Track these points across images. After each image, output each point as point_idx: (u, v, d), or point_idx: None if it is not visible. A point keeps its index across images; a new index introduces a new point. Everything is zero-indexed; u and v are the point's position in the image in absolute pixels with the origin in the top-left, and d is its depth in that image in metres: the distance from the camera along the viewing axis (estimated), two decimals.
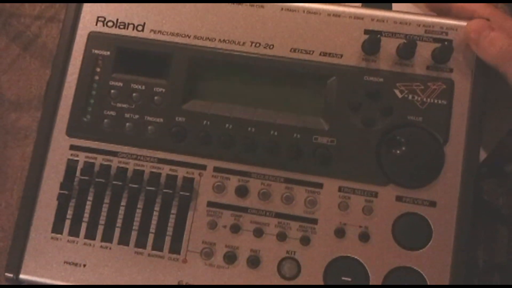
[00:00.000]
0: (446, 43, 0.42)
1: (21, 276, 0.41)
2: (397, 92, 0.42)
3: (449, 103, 0.41)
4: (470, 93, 0.41)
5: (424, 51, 0.42)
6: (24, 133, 0.60)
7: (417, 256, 0.40)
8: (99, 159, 0.42)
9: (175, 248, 0.41)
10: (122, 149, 0.42)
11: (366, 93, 0.42)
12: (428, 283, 0.39)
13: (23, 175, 0.59)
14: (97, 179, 0.42)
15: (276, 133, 0.42)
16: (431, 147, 0.41)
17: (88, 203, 0.42)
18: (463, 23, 0.42)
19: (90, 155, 0.42)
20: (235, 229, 0.41)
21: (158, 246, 0.41)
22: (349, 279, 0.40)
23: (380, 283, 0.39)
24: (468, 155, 0.40)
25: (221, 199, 0.41)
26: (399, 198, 0.40)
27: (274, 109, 0.43)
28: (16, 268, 0.41)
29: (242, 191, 0.41)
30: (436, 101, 0.41)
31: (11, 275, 0.41)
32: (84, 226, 0.42)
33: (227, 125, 0.42)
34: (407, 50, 0.42)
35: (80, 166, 0.42)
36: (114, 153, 0.42)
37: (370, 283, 0.40)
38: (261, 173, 0.41)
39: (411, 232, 0.40)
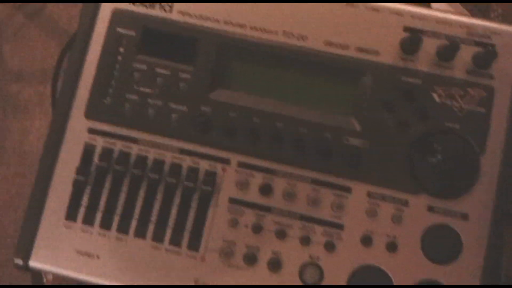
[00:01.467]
0: (489, 48, 0.40)
1: (31, 263, 0.39)
2: (435, 95, 0.40)
3: (488, 112, 0.39)
4: (511, 102, 0.39)
5: (465, 54, 0.40)
6: (24, 106, 0.57)
7: (445, 270, 0.38)
8: (118, 145, 0.40)
9: (194, 245, 0.39)
10: (142, 136, 0.40)
11: (402, 94, 0.40)
12: None
13: (21, 149, 0.57)
14: (115, 166, 0.40)
15: (305, 131, 0.40)
16: (467, 157, 0.39)
17: (105, 191, 0.40)
18: (508, 28, 0.40)
19: (109, 140, 0.40)
20: (257, 229, 0.39)
21: (176, 241, 0.39)
22: None
23: None
24: (504, 168, 0.39)
25: (244, 196, 0.40)
26: (430, 209, 0.39)
27: (304, 104, 0.41)
28: (26, 254, 0.39)
29: (266, 189, 0.39)
30: (475, 108, 0.39)
31: (20, 261, 0.39)
32: (99, 215, 0.40)
33: (254, 119, 0.40)
34: (448, 51, 0.39)
35: (98, 151, 0.40)
36: (134, 140, 0.40)
37: None
38: (287, 172, 0.40)
39: (441, 245, 0.38)
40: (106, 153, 0.40)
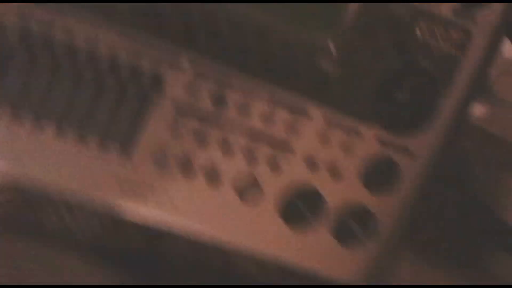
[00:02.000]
0: None
1: None
2: (417, 30, 0.36)
3: (462, 56, 0.38)
4: (483, 50, 0.38)
5: None
6: None
7: (377, 199, 0.39)
8: (33, 22, 0.31)
9: (126, 150, 0.35)
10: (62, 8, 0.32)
11: (386, 23, 0.36)
12: (378, 226, 0.40)
13: None
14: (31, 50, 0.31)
15: (274, 42, 0.35)
16: (430, 96, 0.38)
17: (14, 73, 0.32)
18: None
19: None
20: (199, 137, 0.36)
21: (103, 143, 0.34)
22: (305, 209, 0.39)
23: (333, 219, 0.39)
24: (462, 111, 0.39)
25: (192, 102, 0.35)
26: (381, 142, 0.39)
27: (282, 12, 0.35)
28: None
29: (218, 100, 0.35)
30: (451, 51, 0.37)
31: None
32: (7, 105, 0.32)
33: (214, 12, 0.33)
34: None
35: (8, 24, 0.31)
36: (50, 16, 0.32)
37: (324, 216, 0.39)
38: (244, 84, 0.35)
39: (380, 176, 0.39)
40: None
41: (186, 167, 0.36)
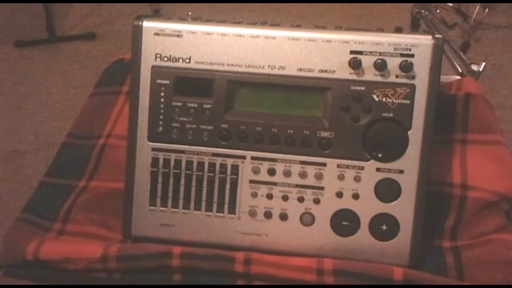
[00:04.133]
0: (409, 57, 0.59)
1: (133, 233, 0.64)
2: (374, 96, 0.60)
3: (412, 102, 0.60)
4: (427, 93, 0.60)
5: (394, 63, 0.60)
6: None
7: (392, 206, 0.61)
8: (173, 156, 0.63)
9: (232, 211, 0.63)
10: (187, 149, 0.63)
11: (353, 98, 0.60)
12: (399, 223, 0.61)
13: None
14: (173, 170, 0.63)
15: (291, 131, 0.61)
16: (399, 133, 0.60)
17: (170, 186, 0.63)
18: (421, 40, 0.59)
19: (166, 154, 0.63)
20: (269, 196, 0.62)
21: (220, 209, 0.63)
22: (347, 223, 0.62)
23: (367, 224, 0.61)
24: (425, 137, 0.60)
25: (258, 177, 0.62)
26: (378, 169, 0.61)
27: (289, 113, 0.62)
28: (128, 229, 0.64)
29: (271, 171, 0.62)
30: (402, 101, 0.60)
31: (126, 234, 0.64)
32: (170, 201, 0.63)
33: (257, 128, 0.62)
34: (380, 65, 0.59)
35: (161, 162, 0.63)
36: (182, 151, 0.63)
37: (361, 224, 0.61)
38: (283, 159, 0.62)
39: (388, 190, 0.61)
40: (166, 162, 0.63)
41: (268, 214, 0.63)
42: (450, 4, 2.32)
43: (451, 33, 2.30)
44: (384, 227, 0.61)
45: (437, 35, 0.59)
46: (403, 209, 0.60)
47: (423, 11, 2.30)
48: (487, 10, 2.16)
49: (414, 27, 2.31)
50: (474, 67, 2.10)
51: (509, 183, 0.67)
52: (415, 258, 0.60)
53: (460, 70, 2.17)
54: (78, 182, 0.73)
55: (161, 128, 0.62)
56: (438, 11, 2.31)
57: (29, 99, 1.96)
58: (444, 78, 0.75)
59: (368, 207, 0.61)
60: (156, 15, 0.64)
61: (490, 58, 2.16)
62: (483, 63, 2.05)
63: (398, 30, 0.62)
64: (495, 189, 0.66)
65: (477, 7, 2.17)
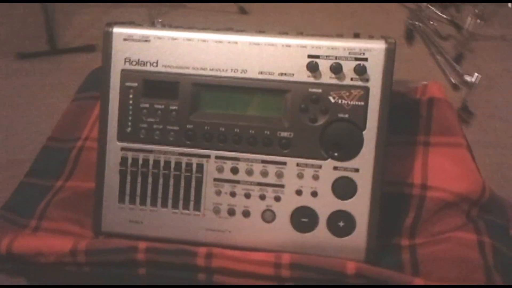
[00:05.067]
0: (363, 61, 0.62)
1: (103, 229, 0.67)
2: (331, 98, 0.63)
3: (366, 104, 0.62)
4: (380, 95, 0.62)
5: (349, 67, 0.62)
6: None
7: (348, 203, 0.63)
8: (141, 156, 0.66)
9: (197, 208, 0.66)
10: (154, 148, 0.66)
11: (311, 100, 0.63)
12: (356, 219, 0.63)
13: None
14: (141, 169, 0.66)
15: (253, 132, 0.64)
16: (354, 133, 0.63)
17: (138, 184, 0.66)
18: (375, 45, 0.62)
19: (135, 153, 0.66)
20: (232, 194, 0.65)
21: (186, 207, 0.66)
22: (306, 220, 0.64)
23: (325, 221, 0.64)
24: (379, 137, 0.63)
25: (222, 176, 0.65)
26: (335, 168, 0.64)
27: (251, 114, 0.65)
28: (98, 225, 0.67)
29: (234, 170, 0.65)
30: (357, 102, 0.63)
31: (96, 230, 0.67)
32: (138, 198, 0.66)
33: (220, 128, 0.65)
34: (336, 68, 0.62)
35: (129, 161, 0.66)
36: (150, 151, 0.66)
37: (319, 221, 0.64)
38: (246, 158, 0.65)
39: (344, 188, 0.64)
40: (134, 162, 0.66)
41: (232, 211, 0.66)
42: (444, 16, 2.35)
43: (445, 45, 2.33)
44: (341, 224, 0.63)
45: (390, 40, 0.62)
46: (359, 206, 0.63)
47: (417, 23, 2.34)
48: (479, 21, 2.18)
49: (409, 39, 2.34)
50: (467, 78, 2.13)
51: (469, 184, 0.69)
52: (371, 254, 0.63)
53: (453, 81, 2.20)
54: (55, 182, 0.76)
55: (129, 128, 0.65)
56: (432, 23, 2.34)
57: (29, 110, 2.01)
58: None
59: (325, 205, 0.63)
60: (127, 22, 0.67)
61: (484, 68, 2.19)
62: (477, 74, 2.07)
63: (356, 35, 0.65)
64: (454, 190, 0.68)
65: (470, 19, 2.20)
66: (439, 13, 2.37)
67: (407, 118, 0.77)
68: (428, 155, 0.73)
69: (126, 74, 0.65)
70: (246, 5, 2.39)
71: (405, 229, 0.68)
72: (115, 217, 0.67)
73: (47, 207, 0.72)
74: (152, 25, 0.67)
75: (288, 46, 0.63)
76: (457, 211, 0.68)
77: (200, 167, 0.65)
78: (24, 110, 1.97)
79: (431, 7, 2.34)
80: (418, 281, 0.58)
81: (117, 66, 0.65)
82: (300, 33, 0.65)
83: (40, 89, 2.03)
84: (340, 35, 0.64)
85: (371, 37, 0.63)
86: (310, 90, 0.63)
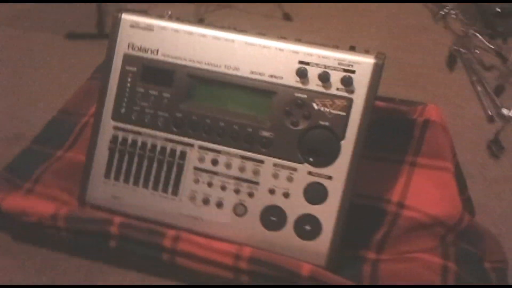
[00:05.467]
0: (350, 73, 0.64)
1: (87, 200, 0.71)
2: (314, 105, 0.65)
3: (348, 114, 0.64)
4: (363, 107, 0.64)
5: (336, 77, 0.64)
6: None
7: (317, 208, 0.65)
8: (130, 136, 0.70)
9: (175, 192, 0.69)
10: (143, 131, 0.69)
11: (295, 104, 0.65)
12: (322, 225, 0.65)
13: None
14: (129, 149, 0.70)
15: (237, 127, 0.67)
16: (332, 142, 0.64)
17: (125, 163, 0.70)
18: (364, 59, 0.63)
19: (125, 133, 0.70)
20: (209, 184, 0.68)
21: (165, 190, 0.69)
22: (275, 219, 0.66)
23: (293, 222, 0.66)
24: (356, 148, 0.64)
25: (202, 165, 0.68)
26: (309, 173, 0.65)
27: (237, 110, 0.67)
28: (83, 196, 0.71)
29: (215, 162, 0.67)
30: (339, 112, 0.64)
31: (80, 200, 0.71)
32: (122, 176, 0.70)
33: (207, 120, 0.68)
34: (324, 77, 0.64)
35: (119, 140, 0.70)
36: (139, 133, 0.70)
37: (287, 221, 0.66)
38: (227, 151, 0.67)
39: (315, 194, 0.65)
40: (124, 141, 0.70)
41: (206, 200, 0.68)
42: (491, 46, 2.29)
43: (487, 75, 2.27)
44: (307, 227, 0.65)
45: (379, 55, 0.63)
46: (327, 213, 0.64)
47: (461, 49, 2.29)
48: None
49: (451, 65, 2.31)
50: (504, 111, 2.07)
51: (447, 209, 0.70)
52: (332, 261, 0.64)
53: (490, 113, 2.15)
54: (56, 152, 0.81)
55: (123, 109, 0.69)
56: (477, 51, 2.30)
57: (69, 88, 2.11)
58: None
59: (295, 207, 0.65)
60: (137, 11, 0.71)
61: None
62: None
63: (352, 48, 0.66)
64: (431, 212, 0.69)
65: None
66: (486, 42, 2.32)
67: (400, 136, 0.78)
68: (413, 175, 0.74)
69: (127, 58, 0.69)
70: (292, 10, 2.40)
71: (373, 243, 0.69)
72: (99, 191, 0.71)
73: (44, 173, 0.77)
74: (163, 17, 0.71)
75: (281, 50, 0.65)
76: (430, 233, 0.69)
77: (183, 154, 0.68)
78: (65, 87, 2.07)
79: (479, 36, 2.29)
80: None
81: (120, 50, 0.69)
82: (298, 40, 0.67)
83: (84, 69, 2.12)
84: (336, 46, 0.66)
85: (366, 51, 0.64)
86: (296, 94, 0.65)
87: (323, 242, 0.64)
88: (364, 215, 0.69)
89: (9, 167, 0.78)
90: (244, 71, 0.66)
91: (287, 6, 2.47)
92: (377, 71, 0.63)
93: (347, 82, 0.63)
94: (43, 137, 0.84)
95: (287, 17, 2.46)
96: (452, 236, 0.69)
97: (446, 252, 0.67)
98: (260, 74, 0.66)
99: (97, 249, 0.67)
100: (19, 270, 0.68)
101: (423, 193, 0.71)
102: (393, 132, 0.78)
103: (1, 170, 0.78)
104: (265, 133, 0.66)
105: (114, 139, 0.70)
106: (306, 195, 0.65)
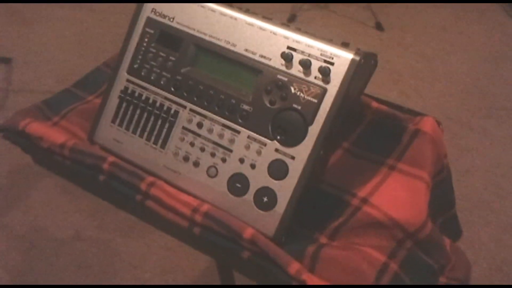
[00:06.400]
0: (329, 64, 0.68)
1: (94, 140, 0.82)
2: (292, 88, 0.70)
3: (319, 102, 0.68)
4: (333, 99, 0.68)
5: (316, 66, 0.69)
6: None
7: (276, 183, 0.70)
8: (138, 90, 0.79)
9: (163, 146, 0.78)
10: (148, 87, 0.79)
11: (275, 85, 0.71)
12: (277, 200, 0.70)
13: None
14: (134, 101, 0.79)
15: (223, 97, 0.74)
16: (301, 125, 0.69)
17: (129, 112, 0.80)
18: (343, 53, 0.68)
19: (134, 87, 0.80)
20: (192, 144, 0.76)
21: (155, 142, 0.78)
22: (239, 185, 0.73)
23: (253, 192, 0.71)
24: (320, 135, 0.68)
25: (189, 126, 0.76)
26: (276, 150, 0.71)
27: (227, 82, 0.74)
28: (92, 136, 0.82)
29: (200, 125, 0.75)
30: (312, 99, 0.69)
31: (89, 139, 0.82)
32: (125, 123, 0.80)
33: (200, 86, 0.75)
34: (305, 64, 0.69)
35: (129, 91, 0.80)
36: (145, 88, 0.79)
37: (249, 190, 0.72)
38: (211, 117, 0.75)
39: (278, 170, 0.70)
40: (132, 93, 0.80)
41: (186, 158, 0.77)
42: None
43: None
44: (265, 199, 0.70)
45: (360, 52, 0.67)
46: (284, 189, 0.69)
47: None
48: None
49: None
50: None
51: (410, 215, 0.72)
52: (278, 234, 0.69)
53: None
54: (87, 96, 0.93)
55: (137, 65, 0.79)
56: None
57: None
58: None
59: (259, 178, 0.71)
60: None
61: None
62: None
63: (345, 44, 0.71)
64: (392, 215, 0.71)
65: None
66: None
67: (389, 140, 0.80)
68: (388, 178, 0.76)
69: (149, 21, 0.79)
70: (385, 20, 2.40)
71: (328, 229, 0.72)
72: (105, 133, 0.81)
73: (71, 111, 0.90)
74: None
75: (275, 34, 0.71)
76: (386, 234, 0.71)
77: (176, 113, 0.76)
78: None
79: None
80: (293, 267, 0.63)
81: (145, 13, 0.79)
82: (299, 29, 0.73)
83: None
84: (330, 40, 0.70)
85: (357, 49, 0.68)
86: (278, 76, 0.70)
87: (275, 214, 0.70)
88: (327, 203, 0.73)
89: (46, 101, 0.92)
90: (240, 48, 0.73)
91: (381, 15, 2.47)
92: (354, 67, 0.67)
93: (324, 72, 0.67)
94: (82, 82, 0.96)
95: (379, 26, 2.46)
96: (410, 242, 0.71)
97: (394, 253, 0.69)
98: (252, 53, 0.72)
99: (90, 180, 0.78)
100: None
101: (390, 195, 0.73)
102: (384, 136, 0.81)
103: (41, 102, 0.91)
104: (245, 107, 0.72)
105: (125, 90, 0.80)
106: (269, 169, 0.70)
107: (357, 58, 0.66)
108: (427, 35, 2.46)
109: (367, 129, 0.82)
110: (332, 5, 2.58)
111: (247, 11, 0.75)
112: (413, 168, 0.76)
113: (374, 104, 0.83)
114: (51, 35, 2.36)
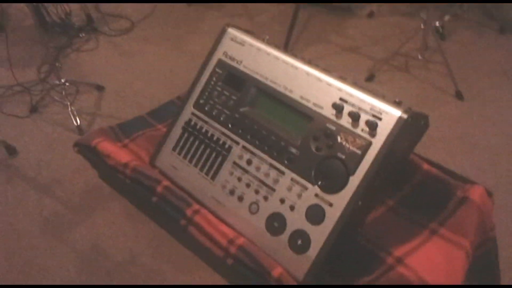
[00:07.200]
0: (377, 119, 0.71)
1: (155, 163, 0.89)
2: (339, 137, 0.73)
3: (363, 154, 0.71)
4: (377, 153, 0.70)
5: (364, 119, 0.72)
6: None
7: (312, 228, 0.73)
8: (199, 123, 0.86)
9: (214, 177, 0.83)
10: (209, 122, 0.85)
11: (323, 133, 0.74)
12: (311, 244, 0.72)
13: None
14: (195, 133, 0.86)
15: (274, 138, 0.78)
16: (342, 175, 0.72)
17: (189, 142, 0.86)
18: (391, 109, 0.70)
19: (197, 120, 0.86)
20: (239, 179, 0.80)
21: (207, 173, 0.83)
22: (277, 225, 0.75)
23: (289, 233, 0.74)
24: (360, 186, 0.70)
25: (239, 162, 0.81)
26: (316, 195, 0.73)
27: (280, 124, 0.79)
28: (154, 159, 0.89)
29: (249, 162, 0.80)
30: (357, 150, 0.72)
31: (151, 162, 0.89)
32: (183, 152, 0.86)
33: (255, 126, 0.80)
34: (354, 116, 0.72)
35: (192, 123, 0.87)
36: (206, 122, 0.85)
37: (286, 231, 0.74)
38: (260, 156, 0.79)
39: (315, 215, 0.73)
40: (194, 126, 0.86)
41: (232, 192, 0.81)
42: None
43: None
44: (299, 241, 0.72)
45: (407, 111, 0.69)
46: (319, 235, 0.71)
47: None
48: None
49: None
50: None
51: (445, 280, 0.71)
52: (307, 279, 0.70)
53: None
54: (157, 124, 1.02)
55: (203, 101, 0.86)
56: None
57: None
58: None
59: (296, 220, 0.74)
60: (242, 29, 0.88)
61: None
62: None
63: (397, 103, 0.73)
64: (425, 278, 0.71)
65: None
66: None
67: (435, 205, 0.80)
68: (428, 241, 0.76)
69: (219, 62, 0.86)
70: (466, 89, 2.35)
71: (359, 283, 0.73)
72: (165, 158, 0.88)
73: (140, 136, 0.98)
74: (259, 38, 0.86)
75: (330, 85, 0.75)
76: None
77: (229, 148, 0.82)
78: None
79: None
80: None
81: (217, 54, 0.87)
82: (355, 83, 0.76)
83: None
84: (383, 96, 0.73)
85: (408, 108, 0.70)
86: (327, 125, 0.74)
87: (307, 259, 0.71)
88: (361, 257, 0.74)
89: (121, 124, 1.01)
90: (296, 95, 0.78)
91: (462, 84, 2.42)
92: (400, 124, 0.69)
93: (371, 126, 0.70)
94: (156, 111, 1.05)
95: (459, 95, 2.41)
96: None
97: None
98: (307, 100, 0.76)
99: (144, 200, 0.84)
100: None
101: (427, 259, 0.73)
102: (430, 198, 0.81)
103: (116, 124, 1.00)
104: (293, 150, 0.76)
105: (189, 121, 0.86)
106: (307, 213, 0.73)
107: (405, 116, 0.68)
108: (510, 109, 2.38)
109: (414, 189, 0.82)
110: (413, 69, 2.57)
111: (309, 62, 0.80)
112: (455, 235, 0.75)
113: (425, 166, 0.83)
114: (144, 69, 2.55)
